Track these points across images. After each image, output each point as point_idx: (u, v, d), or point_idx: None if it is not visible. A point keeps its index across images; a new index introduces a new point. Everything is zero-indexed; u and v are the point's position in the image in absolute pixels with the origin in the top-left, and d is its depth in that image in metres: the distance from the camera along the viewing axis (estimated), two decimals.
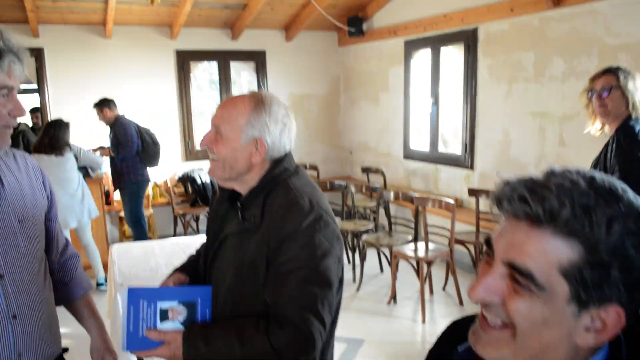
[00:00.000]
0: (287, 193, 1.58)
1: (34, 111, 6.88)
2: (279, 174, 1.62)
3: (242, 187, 1.66)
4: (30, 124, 8.26)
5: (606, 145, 2.97)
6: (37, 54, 6.83)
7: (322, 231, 1.53)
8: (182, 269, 1.85)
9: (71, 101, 6.94)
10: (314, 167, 7.66)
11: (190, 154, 7.65)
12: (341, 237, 1.63)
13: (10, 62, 1.44)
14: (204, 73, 8.23)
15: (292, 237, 1.51)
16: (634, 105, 2.87)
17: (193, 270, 1.82)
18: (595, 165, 3.02)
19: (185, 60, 7.49)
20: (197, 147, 7.64)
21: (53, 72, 6.91)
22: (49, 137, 5.12)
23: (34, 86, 8.96)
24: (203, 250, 1.82)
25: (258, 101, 1.60)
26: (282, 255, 1.51)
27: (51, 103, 6.98)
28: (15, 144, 5.63)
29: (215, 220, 1.77)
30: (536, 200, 0.77)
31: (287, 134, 1.64)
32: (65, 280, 1.89)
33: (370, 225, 5.98)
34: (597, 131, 3.09)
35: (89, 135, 6.71)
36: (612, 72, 2.90)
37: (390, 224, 6.07)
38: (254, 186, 1.63)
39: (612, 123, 2.94)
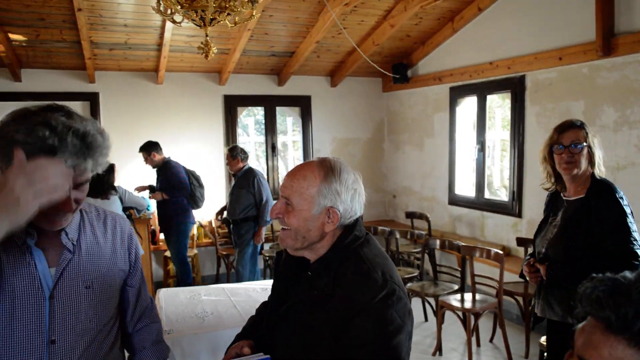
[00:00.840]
0: (359, 265, 1.55)
1: None
2: (351, 242, 1.61)
3: (312, 255, 1.65)
4: None
5: (576, 207, 2.79)
6: (93, 98, 7.21)
7: (395, 306, 1.49)
8: (245, 334, 1.84)
9: (123, 144, 7.23)
10: None
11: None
12: (412, 312, 1.58)
13: (95, 159, 1.54)
14: (250, 118, 8.49)
15: (364, 311, 1.46)
16: (598, 164, 2.79)
17: (255, 333, 1.80)
18: (564, 229, 2.80)
19: (232, 105, 7.77)
20: None
21: (106, 116, 7.26)
22: (95, 180, 5.28)
23: None
24: (267, 314, 1.78)
25: (328, 170, 1.61)
26: (353, 329, 1.46)
27: None
28: None
29: (281, 283, 1.76)
30: (612, 305, 0.77)
31: (357, 199, 1.64)
32: (138, 347, 1.88)
33: (415, 273, 5.97)
34: (550, 187, 3.00)
35: (138, 177, 6.97)
36: (580, 127, 2.79)
37: (435, 271, 6.05)
38: (325, 255, 1.62)
39: (576, 181, 2.82)
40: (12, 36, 6.03)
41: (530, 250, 5.17)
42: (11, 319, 1.49)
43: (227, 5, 3.10)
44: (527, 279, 3.00)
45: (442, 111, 7.33)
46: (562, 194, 2.96)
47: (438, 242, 5.60)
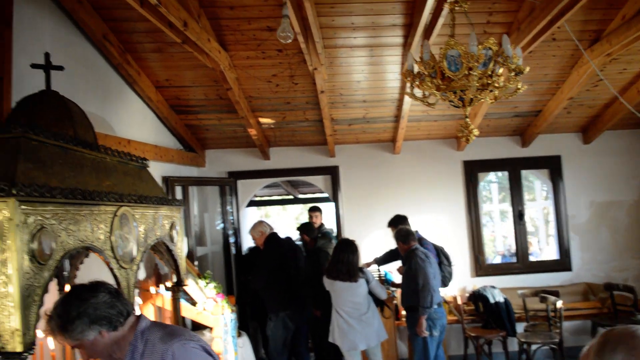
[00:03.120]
0: None
1: (312, 210, 7.47)
2: None
3: None
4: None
5: None
6: (333, 172, 7.64)
7: None
8: None
9: (362, 216, 7.51)
10: (629, 289, 6.77)
11: (480, 268, 7.51)
12: None
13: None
14: (493, 183, 8.17)
15: None
16: None
17: None
18: None
19: (473, 170, 7.58)
20: (488, 261, 7.47)
21: (346, 187, 7.61)
22: (344, 263, 5.38)
23: (322, 195, 10.02)
24: None
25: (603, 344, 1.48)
26: None
27: (344, 216, 7.64)
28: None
29: None
30: None
31: None
32: None
33: None
34: None
35: (377, 250, 7.07)
36: None
37: None
38: None
39: None
40: (262, 120, 6.74)
41: None
42: None
43: (490, 82, 2.98)
44: None
45: None
46: None
47: None
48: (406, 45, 5.14)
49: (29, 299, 1.83)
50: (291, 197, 11.81)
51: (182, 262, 3.46)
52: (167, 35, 4.64)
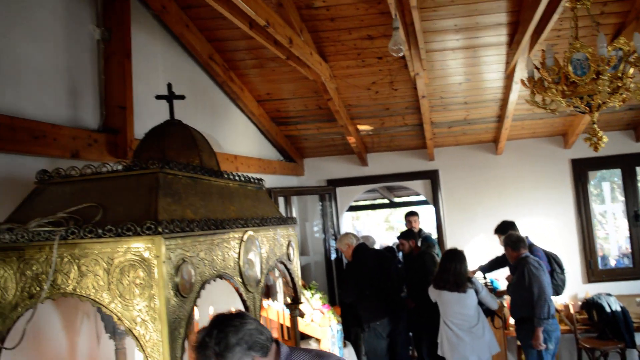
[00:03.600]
0: None
1: (410, 215, 7.26)
2: None
3: None
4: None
5: None
6: (432, 176, 7.49)
7: None
8: None
9: (464, 221, 7.30)
10: None
11: (593, 274, 7.09)
12: None
13: None
14: (606, 183, 7.71)
15: None
16: None
17: None
18: None
19: (582, 169, 7.17)
20: (601, 266, 7.05)
21: (447, 191, 7.44)
22: (452, 273, 5.22)
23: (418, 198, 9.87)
24: None
25: None
26: None
27: (445, 220, 7.46)
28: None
29: None
30: None
31: None
32: None
33: None
34: None
35: (480, 257, 6.83)
36: None
37: None
38: None
39: None
40: (360, 127, 6.70)
41: None
42: None
43: (620, 85, 2.77)
44: None
45: None
46: None
47: None
48: (512, 44, 4.93)
49: (175, 333, 1.88)
50: (386, 201, 11.71)
51: (299, 280, 3.48)
52: (267, 50, 4.73)
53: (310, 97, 5.87)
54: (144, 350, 1.88)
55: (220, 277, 2.31)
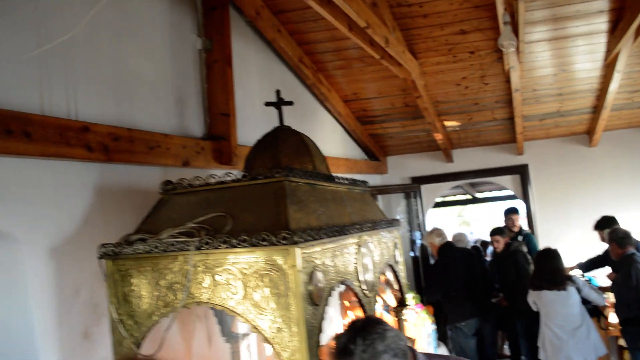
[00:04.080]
0: None
1: (510, 212, 6.89)
2: None
3: None
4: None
5: None
6: (522, 170, 7.24)
7: None
8: None
9: (557, 217, 7.02)
10: None
11: None
12: None
13: None
14: None
15: None
16: None
17: None
18: None
19: None
20: None
21: (537, 186, 7.17)
22: (547, 270, 4.99)
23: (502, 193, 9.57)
24: None
25: None
26: None
27: (537, 216, 7.19)
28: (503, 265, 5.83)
29: None
30: None
31: None
32: None
33: None
34: None
35: (574, 255, 6.53)
36: None
37: None
38: None
39: None
40: (446, 123, 6.56)
41: None
42: None
43: None
44: None
45: None
46: None
47: None
48: (615, 31, 4.67)
49: (311, 341, 1.88)
50: (469, 196, 11.45)
51: (405, 282, 3.44)
52: (354, 51, 4.72)
53: (397, 95, 5.81)
54: (280, 357, 1.89)
55: (343, 283, 2.29)
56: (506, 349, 6.93)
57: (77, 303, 2.42)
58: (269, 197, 2.12)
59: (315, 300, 1.94)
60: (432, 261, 6.86)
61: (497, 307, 6.14)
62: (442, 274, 5.86)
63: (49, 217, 2.34)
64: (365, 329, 1.87)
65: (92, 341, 2.48)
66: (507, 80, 5.37)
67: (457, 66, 5.23)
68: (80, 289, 2.44)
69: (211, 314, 3.01)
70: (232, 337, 3.04)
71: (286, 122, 2.89)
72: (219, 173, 2.42)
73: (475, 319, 5.78)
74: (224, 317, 3.04)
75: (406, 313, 5.26)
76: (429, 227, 7.88)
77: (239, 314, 1.95)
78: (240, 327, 3.17)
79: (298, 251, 1.85)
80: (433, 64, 5.18)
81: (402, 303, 3.47)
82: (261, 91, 4.33)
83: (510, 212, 6.75)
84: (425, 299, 6.58)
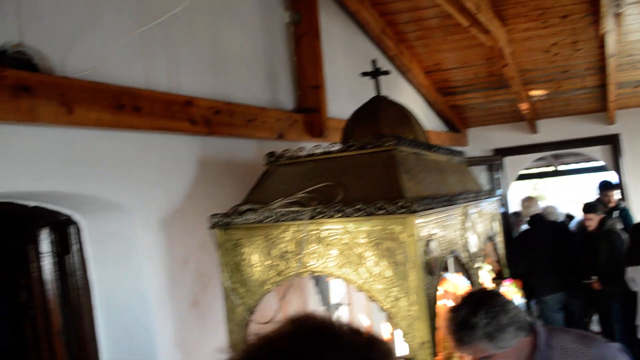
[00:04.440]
0: None
1: (605, 188, 6.19)
2: None
3: None
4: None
5: None
6: (613, 140, 6.89)
7: None
8: None
9: None
10: None
11: None
12: None
13: None
14: None
15: None
16: None
17: None
18: None
19: None
20: None
21: (630, 157, 6.79)
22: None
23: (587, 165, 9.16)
24: None
25: None
26: None
27: (630, 189, 6.84)
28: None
29: None
30: None
31: None
32: None
33: None
34: None
35: None
36: None
37: None
38: None
39: None
40: (532, 93, 6.29)
41: None
42: None
43: None
44: None
45: None
46: None
47: None
48: None
49: (431, 310, 1.85)
50: (551, 168, 10.95)
51: (503, 254, 3.35)
52: (435, 20, 4.60)
53: (481, 64, 5.61)
54: (397, 326, 1.87)
55: (452, 253, 2.25)
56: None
57: (185, 272, 2.50)
58: (378, 166, 2.10)
59: (432, 269, 1.91)
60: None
61: (587, 286, 5.86)
62: (528, 247, 5.68)
63: (158, 190, 2.41)
64: (487, 302, 1.81)
65: (200, 308, 2.56)
66: (601, 46, 5.07)
67: (547, 32, 4.98)
68: (189, 258, 2.52)
69: (312, 283, 3.04)
70: (331, 306, 3.06)
71: (369, 95, 2.85)
72: (309, 146, 2.42)
73: (561, 293, 5.58)
74: (323, 287, 3.07)
75: (493, 286, 5.19)
76: (512, 200, 7.66)
77: (354, 283, 1.95)
78: (333, 297, 3.20)
79: (415, 220, 1.81)
80: (521, 31, 4.95)
81: (500, 275, 3.39)
82: (346, 64, 4.29)
83: (607, 188, 6.20)
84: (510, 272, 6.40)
